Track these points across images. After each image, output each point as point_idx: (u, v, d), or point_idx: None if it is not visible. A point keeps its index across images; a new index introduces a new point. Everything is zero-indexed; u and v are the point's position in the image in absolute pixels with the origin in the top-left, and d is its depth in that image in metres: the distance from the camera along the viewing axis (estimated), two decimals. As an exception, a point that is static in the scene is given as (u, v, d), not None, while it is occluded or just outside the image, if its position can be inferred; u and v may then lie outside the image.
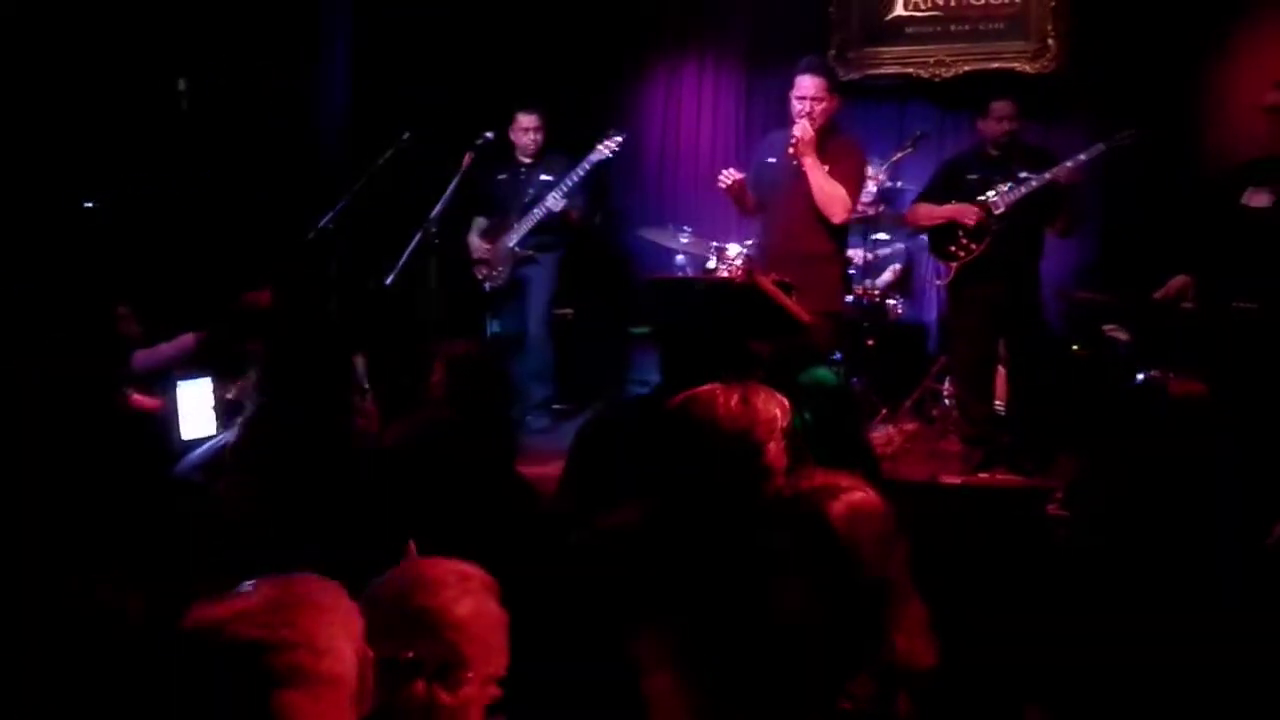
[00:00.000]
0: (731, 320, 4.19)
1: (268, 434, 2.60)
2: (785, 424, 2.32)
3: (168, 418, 3.76)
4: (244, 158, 5.79)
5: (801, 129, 4.82)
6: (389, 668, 1.56)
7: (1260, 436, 3.79)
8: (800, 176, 4.88)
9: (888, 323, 6.14)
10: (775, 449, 2.29)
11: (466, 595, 1.68)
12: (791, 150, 4.87)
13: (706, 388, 2.35)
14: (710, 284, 5.11)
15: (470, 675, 1.65)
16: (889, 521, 1.92)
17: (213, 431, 3.75)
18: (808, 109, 4.85)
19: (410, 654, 1.62)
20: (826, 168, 4.87)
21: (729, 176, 5.05)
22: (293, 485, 2.47)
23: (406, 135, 5.51)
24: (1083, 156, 4.98)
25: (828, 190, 4.86)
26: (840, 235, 5.10)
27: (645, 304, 5.26)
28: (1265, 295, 4.57)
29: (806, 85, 4.89)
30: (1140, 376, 4.85)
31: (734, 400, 2.29)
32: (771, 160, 5.08)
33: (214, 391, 3.88)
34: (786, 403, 2.35)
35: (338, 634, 1.42)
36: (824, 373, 2.18)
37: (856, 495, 1.91)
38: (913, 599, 1.88)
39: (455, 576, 1.70)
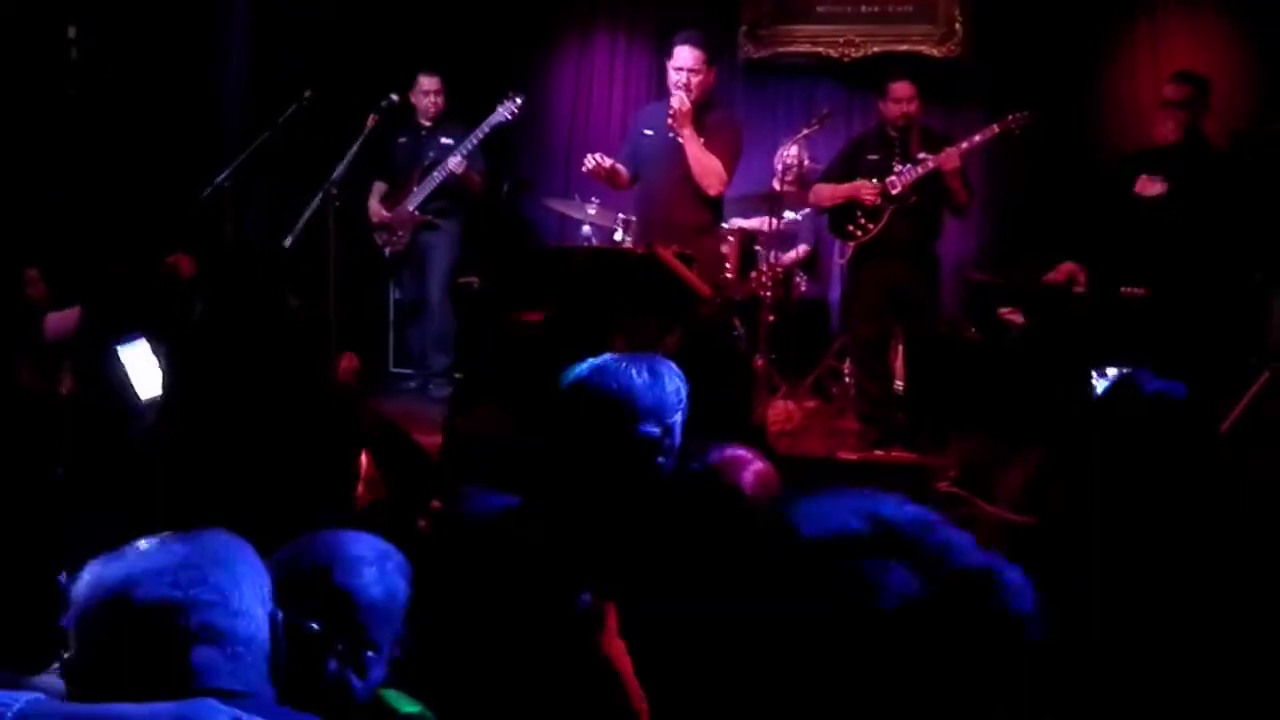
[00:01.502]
0: (628, 291, 4.18)
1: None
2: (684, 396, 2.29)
3: (121, 382, 3.68)
4: (137, 113, 5.62)
5: (679, 100, 4.84)
6: (298, 638, 1.54)
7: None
8: (677, 148, 4.91)
9: (791, 300, 6.17)
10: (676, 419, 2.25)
11: (385, 577, 1.68)
12: (670, 122, 4.88)
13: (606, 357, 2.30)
14: (600, 253, 5.10)
15: (377, 658, 1.66)
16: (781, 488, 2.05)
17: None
18: (685, 80, 4.87)
19: (322, 630, 1.61)
20: (703, 140, 4.89)
21: (593, 161, 5.04)
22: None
23: (308, 94, 5.39)
24: (976, 138, 5.07)
25: (704, 163, 4.89)
26: (717, 208, 5.15)
27: (532, 276, 5.21)
28: (1154, 280, 4.69)
29: (684, 56, 4.90)
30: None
31: (635, 371, 2.23)
32: (649, 133, 5.10)
33: (153, 351, 3.80)
34: (682, 374, 2.31)
35: (249, 594, 1.40)
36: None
37: (758, 465, 2.03)
38: None
39: (376, 555, 1.70)
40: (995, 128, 5.06)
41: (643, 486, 2.08)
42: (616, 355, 2.22)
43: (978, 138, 5.07)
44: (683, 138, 4.87)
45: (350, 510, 2.36)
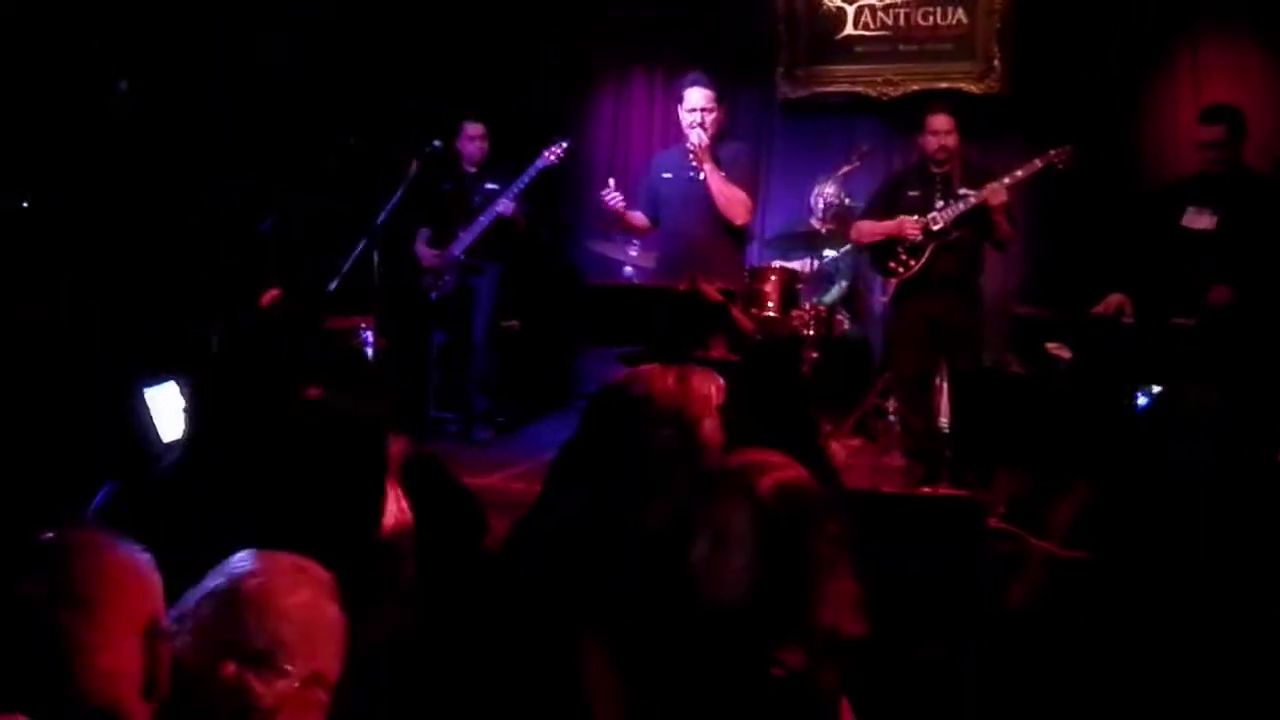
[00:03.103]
0: (675, 327, 4.21)
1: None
2: (720, 402, 2.36)
3: (143, 423, 3.73)
4: (188, 157, 5.72)
5: (698, 137, 4.99)
6: (203, 651, 1.50)
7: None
8: (698, 186, 5.03)
9: (833, 338, 6.15)
10: (710, 425, 2.32)
11: (299, 587, 1.59)
12: (691, 159, 5.02)
13: (645, 366, 2.41)
14: (651, 289, 5.15)
15: (289, 669, 1.53)
16: (817, 498, 1.96)
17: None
18: (700, 119, 5.02)
19: (225, 637, 1.52)
20: (723, 173, 5.01)
21: (611, 198, 5.13)
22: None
23: (352, 140, 5.49)
24: (1019, 173, 5.05)
25: (728, 194, 5.01)
26: (741, 243, 5.29)
27: (585, 312, 5.27)
28: (1202, 311, 4.64)
29: (698, 98, 5.06)
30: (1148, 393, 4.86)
31: (670, 378, 2.33)
32: (667, 175, 5.24)
33: (182, 394, 3.84)
34: (722, 382, 2.39)
35: (114, 596, 1.36)
36: None
37: (786, 473, 1.95)
38: (843, 574, 1.91)
39: (290, 567, 1.62)
40: (1038, 162, 5.04)
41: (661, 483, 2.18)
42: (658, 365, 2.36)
43: (1020, 173, 5.05)
44: (706, 172, 4.99)
45: (373, 542, 2.35)
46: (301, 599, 1.57)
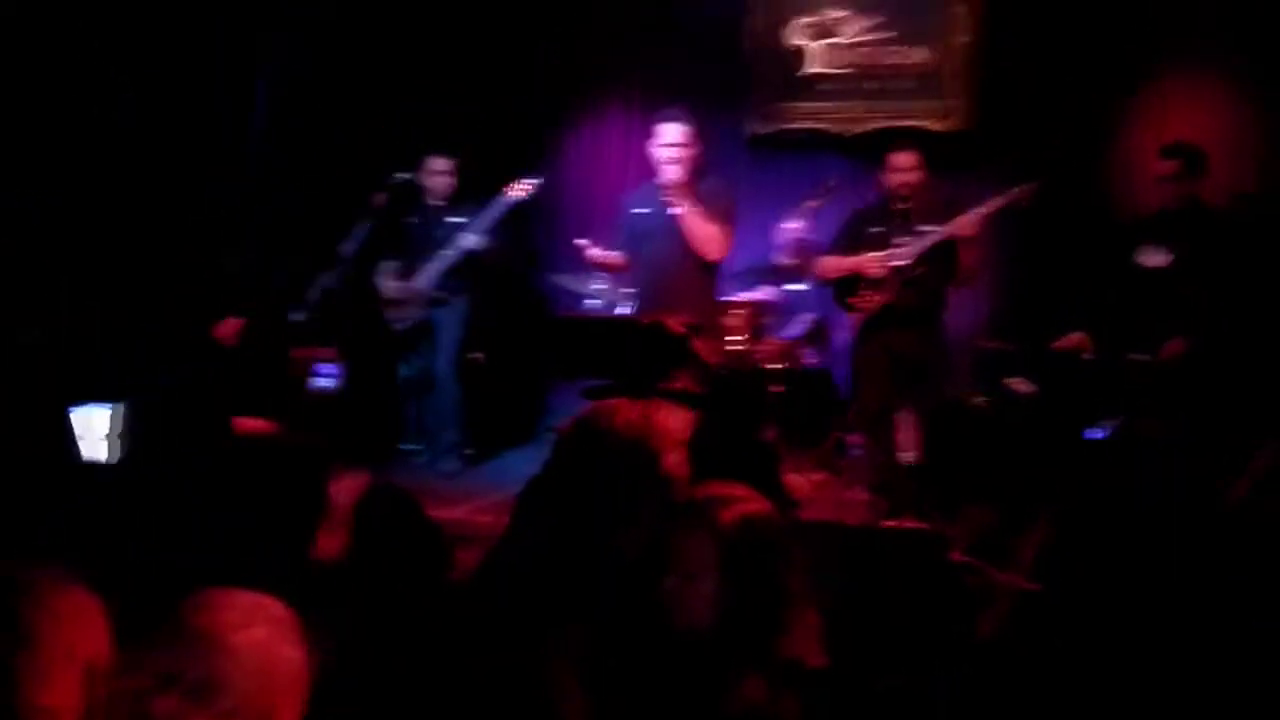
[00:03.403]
0: (639, 360, 4.22)
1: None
2: (686, 436, 2.38)
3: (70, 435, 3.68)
4: (152, 186, 5.69)
5: (674, 172, 4.97)
6: (146, 683, 1.48)
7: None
8: (673, 222, 5.01)
9: (799, 372, 6.19)
10: (675, 459, 2.34)
11: (253, 625, 1.56)
12: (666, 196, 5.00)
13: (611, 400, 2.44)
14: (615, 322, 5.17)
15: (233, 707, 1.50)
16: (780, 531, 2.02)
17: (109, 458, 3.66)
18: (675, 155, 4.99)
19: (168, 670, 1.50)
20: (700, 209, 4.99)
21: (595, 252, 5.20)
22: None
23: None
24: (981, 209, 5.09)
25: (704, 230, 4.99)
26: (715, 279, 5.23)
27: (550, 344, 5.28)
28: (1158, 347, 4.70)
29: (673, 133, 5.02)
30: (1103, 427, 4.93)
31: (635, 411, 2.36)
32: (642, 211, 5.21)
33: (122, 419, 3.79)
34: (689, 415, 2.41)
35: (58, 634, 1.36)
36: None
37: (749, 505, 2.01)
38: (806, 606, 1.94)
39: (245, 604, 1.59)
40: (1000, 200, 5.09)
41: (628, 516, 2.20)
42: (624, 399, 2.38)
43: (983, 209, 5.10)
44: (681, 209, 4.97)
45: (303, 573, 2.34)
46: (253, 637, 1.54)
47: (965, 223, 5.06)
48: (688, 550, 1.97)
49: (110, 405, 3.67)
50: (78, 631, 1.40)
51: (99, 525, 2.41)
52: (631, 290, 5.72)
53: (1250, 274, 4.84)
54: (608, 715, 1.84)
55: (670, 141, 5.03)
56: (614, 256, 5.26)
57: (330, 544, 2.41)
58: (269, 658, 1.55)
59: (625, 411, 2.37)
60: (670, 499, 2.21)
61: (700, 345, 4.36)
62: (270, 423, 3.29)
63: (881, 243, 5.22)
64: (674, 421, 2.38)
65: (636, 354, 4.21)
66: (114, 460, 3.48)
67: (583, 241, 5.25)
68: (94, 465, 3.49)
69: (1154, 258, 4.89)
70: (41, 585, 1.40)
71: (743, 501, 2.02)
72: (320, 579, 2.26)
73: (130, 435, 2.66)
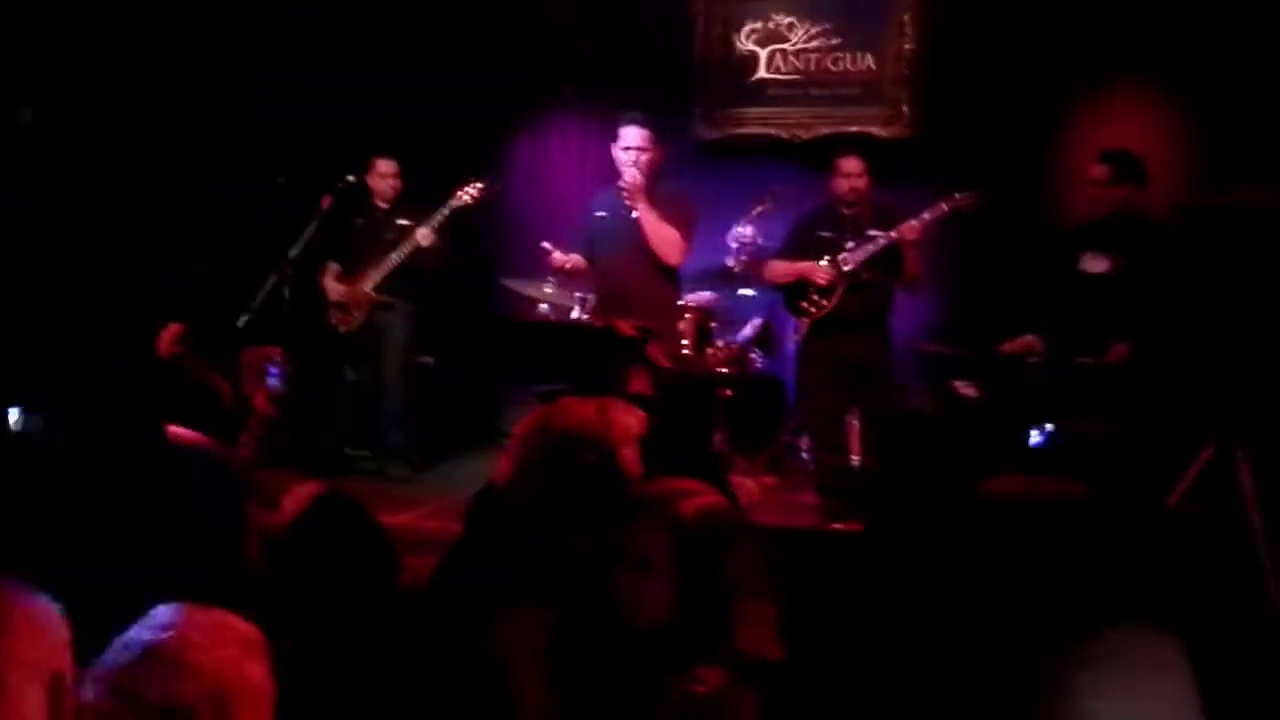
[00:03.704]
0: (591, 363, 4.24)
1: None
2: (639, 433, 2.42)
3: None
4: (94, 186, 5.60)
5: (631, 175, 4.99)
6: (111, 705, 1.46)
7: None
8: (633, 224, 5.03)
9: (747, 376, 6.22)
10: (629, 455, 2.38)
11: (219, 645, 1.54)
12: (625, 198, 5.01)
13: (567, 398, 2.48)
14: (568, 326, 5.17)
15: None
16: (735, 523, 2.06)
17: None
18: (634, 158, 5.02)
19: (133, 690, 1.48)
20: (658, 213, 5.02)
21: (558, 257, 5.17)
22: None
23: (282, 180, 5.44)
24: (926, 215, 5.15)
25: (662, 233, 5.01)
26: (675, 282, 5.27)
27: (502, 347, 5.26)
28: (1104, 350, 4.79)
29: (633, 136, 5.06)
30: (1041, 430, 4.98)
31: (590, 408, 2.40)
32: (602, 214, 5.23)
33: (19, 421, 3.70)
34: (642, 414, 2.43)
35: (18, 647, 1.34)
36: None
37: (705, 499, 2.03)
38: (763, 598, 1.96)
39: (210, 624, 1.57)
40: (944, 206, 5.16)
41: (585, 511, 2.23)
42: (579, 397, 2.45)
43: (927, 215, 5.16)
44: (639, 211, 4.99)
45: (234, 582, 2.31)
46: (219, 656, 1.52)
47: (911, 228, 5.12)
48: (643, 543, 1.99)
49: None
50: (41, 646, 1.36)
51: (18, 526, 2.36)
52: (583, 294, 5.72)
53: (1188, 282, 4.93)
54: (568, 709, 1.84)
55: (631, 145, 5.05)
56: (575, 260, 5.23)
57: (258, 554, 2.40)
58: (236, 677, 1.53)
59: (580, 409, 2.39)
60: (626, 494, 2.22)
61: (653, 349, 4.38)
62: (200, 434, 3.26)
63: (830, 247, 5.26)
64: (629, 418, 2.40)
65: (590, 357, 4.22)
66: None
67: (546, 245, 5.22)
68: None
69: (1095, 264, 4.97)
70: (3, 600, 1.36)
71: (698, 495, 2.05)
72: (254, 589, 2.24)
73: (50, 437, 2.60)
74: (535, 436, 2.39)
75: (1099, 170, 5.00)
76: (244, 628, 1.59)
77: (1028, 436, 4.50)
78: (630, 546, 2.00)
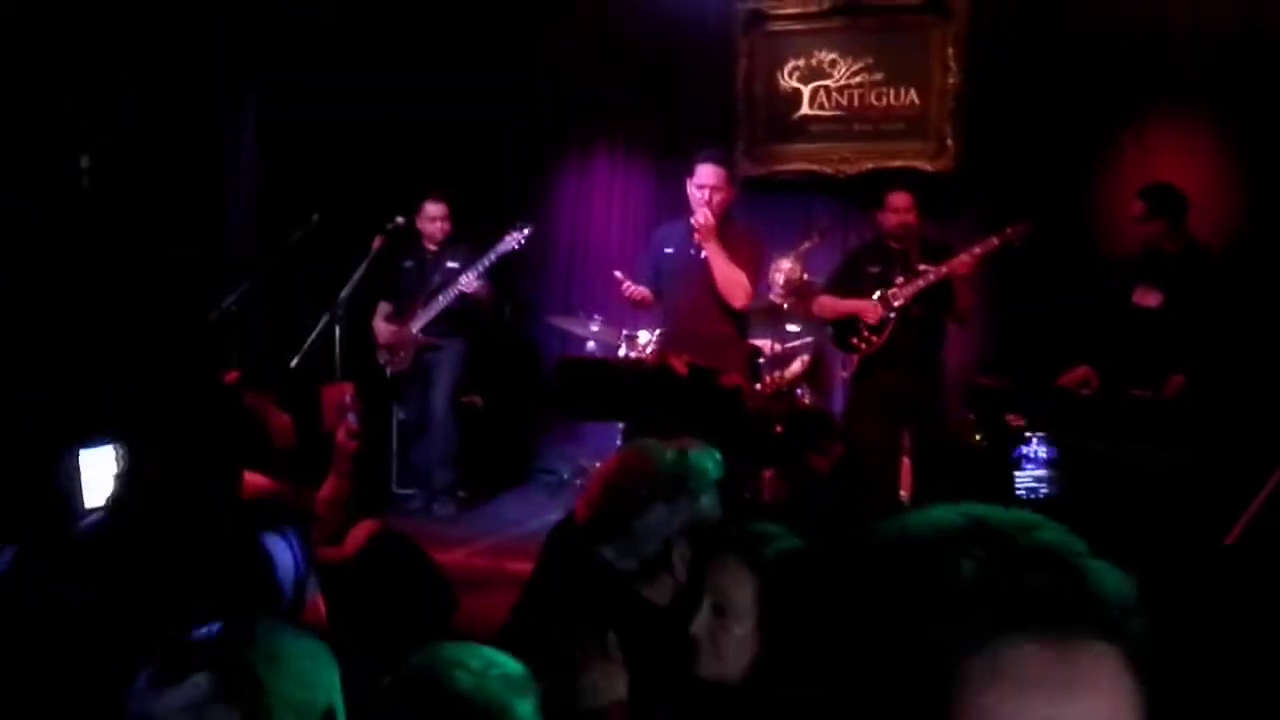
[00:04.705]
0: (653, 401, 4.23)
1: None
2: (718, 476, 2.40)
3: (70, 486, 3.62)
4: (148, 239, 5.67)
5: (704, 215, 4.87)
6: None
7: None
8: (701, 264, 4.94)
9: (803, 414, 6.19)
10: (708, 501, 2.35)
11: None
12: (696, 237, 4.92)
13: (645, 440, 2.47)
14: (627, 365, 5.14)
15: None
16: (825, 570, 1.96)
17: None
18: (707, 197, 4.91)
19: None
20: (726, 254, 4.91)
21: (630, 288, 5.06)
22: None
23: (315, 217, 5.49)
24: (977, 249, 5.11)
25: (729, 276, 4.90)
26: (741, 321, 5.14)
27: (559, 384, 5.23)
28: (1160, 383, 4.74)
29: (707, 174, 4.95)
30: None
31: (670, 452, 2.38)
32: (669, 250, 5.13)
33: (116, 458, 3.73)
34: (719, 457, 2.41)
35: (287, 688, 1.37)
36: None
37: (786, 543, 1.96)
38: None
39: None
40: (995, 240, 5.12)
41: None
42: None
43: (978, 249, 5.12)
44: (708, 252, 4.89)
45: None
46: None
47: (962, 263, 5.09)
48: (723, 586, 1.94)
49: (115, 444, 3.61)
50: (309, 686, 1.41)
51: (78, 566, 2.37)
52: (630, 332, 5.73)
53: (1240, 313, 4.89)
54: None
55: (706, 183, 4.93)
56: (644, 292, 5.11)
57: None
58: None
59: (660, 452, 2.37)
60: (705, 538, 2.18)
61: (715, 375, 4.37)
62: (271, 480, 3.27)
63: (879, 283, 5.23)
64: (707, 463, 2.38)
65: (661, 396, 4.19)
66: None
67: (619, 274, 5.16)
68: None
69: (1148, 298, 4.94)
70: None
71: (780, 539, 1.97)
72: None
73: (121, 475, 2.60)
74: (613, 479, 2.38)
75: (1135, 207, 5.00)
76: None
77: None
78: (708, 588, 1.93)
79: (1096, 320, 5.14)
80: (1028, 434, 5.22)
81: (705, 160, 5.00)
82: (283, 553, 2.42)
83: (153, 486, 2.40)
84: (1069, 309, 5.57)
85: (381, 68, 6.59)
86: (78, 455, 3.39)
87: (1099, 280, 5.42)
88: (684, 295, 5.05)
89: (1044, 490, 5.12)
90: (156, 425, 2.57)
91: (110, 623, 2.20)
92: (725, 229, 4.96)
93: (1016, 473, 4.89)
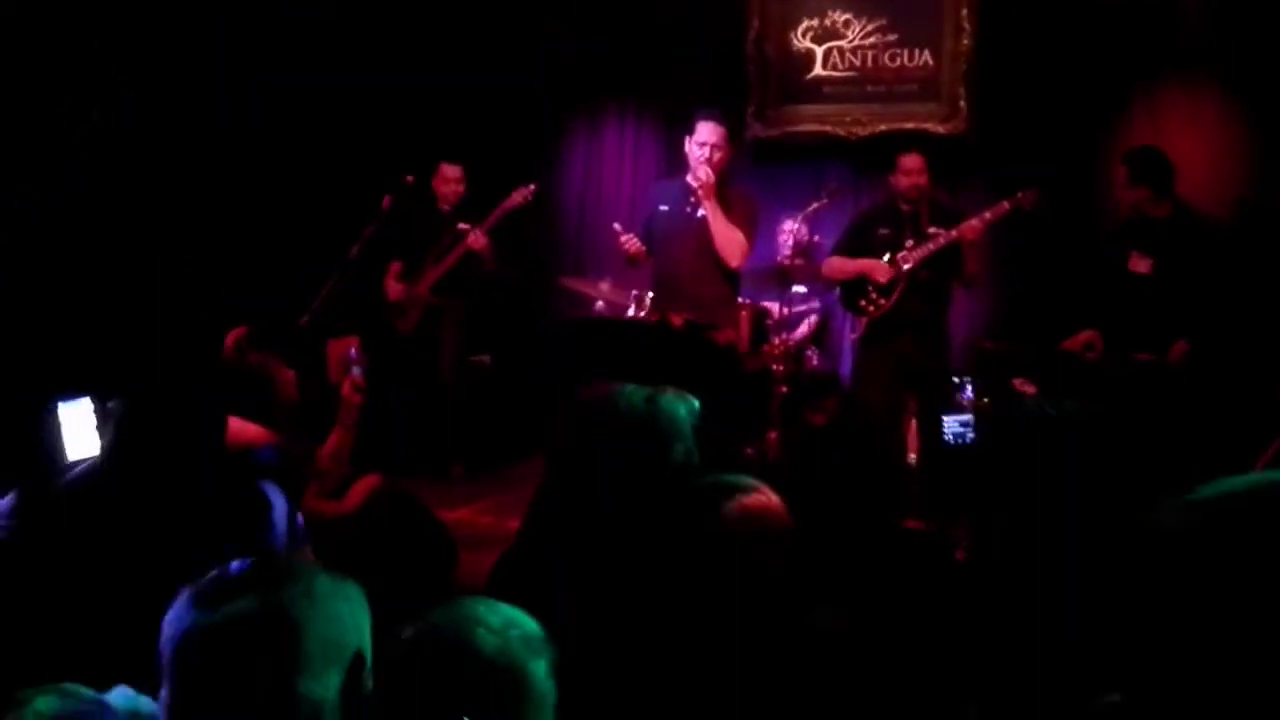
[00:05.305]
0: (656, 359, 4.23)
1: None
2: (693, 423, 2.30)
3: (52, 439, 3.65)
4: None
5: (705, 173, 4.84)
6: None
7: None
8: (698, 222, 4.91)
9: (803, 373, 6.20)
10: (680, 448, 2.25)
11: None
12: (694, 195, 4.89)
13: (612, 386, 2.34)
14: (628, 324, 5.14)
15: None
16: (781, 530, 1.95)
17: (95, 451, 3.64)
18: (708, 155, 4.87)
19: None
20: (725, 213, 4.89)
21: (627, 239, 5.04)
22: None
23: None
24: (987, 214, 5.11)
25: (727, 235, 4.87)
26: (735, 282, 5.12)
27: (562, 345, 5.24)
28: (1159, 348, 4.73)
29: (708, 131, 4.91)
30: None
31: (640, 397, 2.28)
32: (664, 208, 5.09)
33: (94, 411, 3.76)
34: (695, 404, 2.33)
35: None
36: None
37: (754, 497, 1.94)
38: None
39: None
40: (1006, 204, 5.11)
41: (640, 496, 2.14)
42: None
43: (989, 214, 5.11)
44: (706, 210, 4.87)
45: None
46: None
47: (972, 227, 5.08)
48: (686, 539, 1.93)
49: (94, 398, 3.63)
50: (339, 628, 1.41)
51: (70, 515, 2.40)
52: (639, 292, 5.72)
53: (1237, 280, 4.86)
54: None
55: (706, 140, 4.90)
56: (637, 244, 5.08)
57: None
58: None
59: (629, 397, 2.30)
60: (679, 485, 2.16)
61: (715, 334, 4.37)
62: (267, 431, 3.29)
63: (889, 245, 5.23)
64: (680, 409, 2.30)
65: (651, 354, 4.19)
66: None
67: (618, 227, 5.13)
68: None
69: (1140, 264, 4.91)
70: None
71: (749, 492, 1.96)
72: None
73: (115, 431, 2.62)
74: (583, 430, 2.31)
75: (1119, 172, 4.97)
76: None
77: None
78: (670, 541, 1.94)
79: (1095, 287, 5.12)
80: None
81: (705, 118, 4.96)
82: (276, 499, 2.45)
83: (148, 436, 2.44)
84: (1071, 275, 5.55)
85: (383, 52, 6.61)
86: (57, 409, 3.42)
87: (1098, 246, 5.40)
88: (679, 254, 5.02)
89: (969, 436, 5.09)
90: (149, 376, 2.60)
91: (117, 567, 2.25)
92: (723, 189, 4.93)
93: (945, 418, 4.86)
